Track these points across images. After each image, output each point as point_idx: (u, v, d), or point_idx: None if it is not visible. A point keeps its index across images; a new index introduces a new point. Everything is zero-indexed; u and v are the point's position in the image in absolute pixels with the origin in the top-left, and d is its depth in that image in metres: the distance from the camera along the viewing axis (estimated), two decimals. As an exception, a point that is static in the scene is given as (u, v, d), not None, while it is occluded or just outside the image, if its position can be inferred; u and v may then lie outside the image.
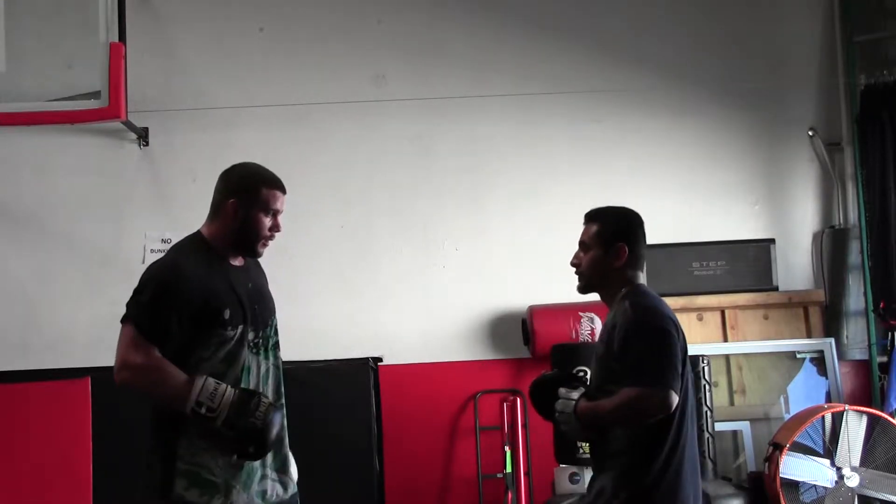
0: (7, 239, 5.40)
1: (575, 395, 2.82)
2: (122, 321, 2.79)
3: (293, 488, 2.99)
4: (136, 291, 2.81)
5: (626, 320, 2.76)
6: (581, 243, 2.96)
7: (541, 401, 2.98)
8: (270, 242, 2.98)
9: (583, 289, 2.97)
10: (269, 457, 2.89)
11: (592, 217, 2.98)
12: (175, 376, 2.73)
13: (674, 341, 2.72)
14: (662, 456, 2.71)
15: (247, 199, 2.89)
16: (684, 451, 2.75)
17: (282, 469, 2.96)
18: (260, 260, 3.07)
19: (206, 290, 2.80)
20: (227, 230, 2.91)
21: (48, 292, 5.35)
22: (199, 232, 2.97)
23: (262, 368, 2.94)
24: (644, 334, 2.72)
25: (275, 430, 2.75)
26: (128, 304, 2.80)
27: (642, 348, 2.70)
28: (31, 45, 5.08)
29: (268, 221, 2.92)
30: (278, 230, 2.96)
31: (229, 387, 2.73)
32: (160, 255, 3.02)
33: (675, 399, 2.65)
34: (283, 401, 3.01)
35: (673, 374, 2.67)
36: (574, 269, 2.97)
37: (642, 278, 2.94)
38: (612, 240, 2.90)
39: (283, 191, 2.96)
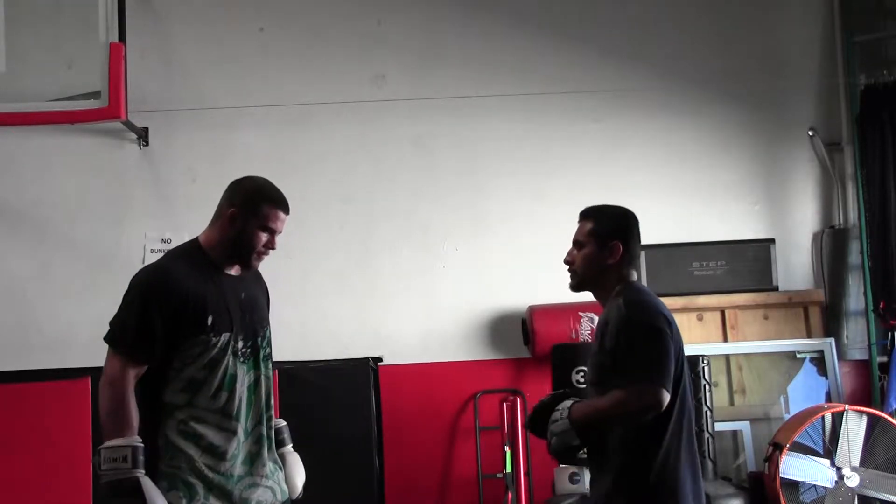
0: (7, 239, 5.39)
1: (569, 402, 2.80)
2: (106, 340, 2.79)
3: (283, 495, 2.99)
4: (122, 301, 2.82)
5: (619, 317, 2.74)
6: (575, 241, 2.95)
7: (539, 425, 2.92)
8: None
9: (575, 286, 2.96)
10: (269, 467, 2.92)
11: (587, 215, 2.97)
12: (125, 419, 2.70)
13: (667, 339, 2.69)
14: (660, 456, 2.69)
15: (246, 211, 2.89)
16: (682, 452, 2.72)
17: (272, 476, 2.96)
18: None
19: (191, 294, 2.80)
20: (222, 238, 2.92)
21: (48, 292, 5.34)
22: (196, 239, 2.97)
23: (251, 378, 2.93)
24: (636, 331, 2.70)
25: None
26: (111, 323, 2.80)
27: (634, 346, 2.68)
28: (31, 45, 5.09)
29: (263, 237, 2.92)
30: (273, 248, 2.96)
31: (133, 470, 2.66)
32: (160, 256, 3.03)
33: (667, 396, 2.63)
34: (272, 413, 3.00)
35: (664, 372, 2.64)
36: (567, 267, 2.96)
37: (636, 276, 2.92)
38: (607, 237, 2.88)
39: (286, 211, 2.96)
